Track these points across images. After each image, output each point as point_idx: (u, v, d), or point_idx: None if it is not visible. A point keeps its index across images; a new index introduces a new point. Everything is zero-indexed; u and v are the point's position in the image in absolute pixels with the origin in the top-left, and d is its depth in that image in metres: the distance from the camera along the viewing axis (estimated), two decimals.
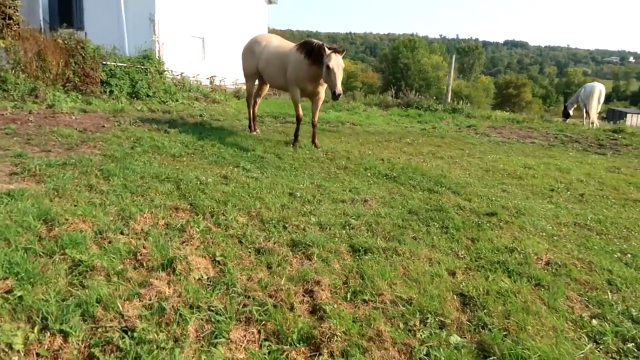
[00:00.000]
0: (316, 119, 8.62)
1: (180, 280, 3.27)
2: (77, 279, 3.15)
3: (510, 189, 6.76)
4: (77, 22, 18.39)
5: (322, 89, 8.22)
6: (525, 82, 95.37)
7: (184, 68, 16.85)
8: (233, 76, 19.25)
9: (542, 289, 3.65)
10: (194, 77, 17.17)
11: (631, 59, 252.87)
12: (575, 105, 18.63)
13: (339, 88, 7.13)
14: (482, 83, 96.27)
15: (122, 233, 3.95)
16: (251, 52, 9.28)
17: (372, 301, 3.33)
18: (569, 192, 6.77)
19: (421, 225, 4.93)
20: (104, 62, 13.32)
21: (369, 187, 6.26)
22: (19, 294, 2.83)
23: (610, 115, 56.02)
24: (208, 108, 13.46)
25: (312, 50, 7.66)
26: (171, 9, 17.66)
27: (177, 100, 13.98)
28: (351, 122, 13.37)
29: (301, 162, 7.23)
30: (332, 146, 8.67)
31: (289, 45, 8.60)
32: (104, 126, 8.58)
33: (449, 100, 20.02)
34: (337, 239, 4.34)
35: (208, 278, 3.40)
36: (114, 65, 13.46)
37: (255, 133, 9.62)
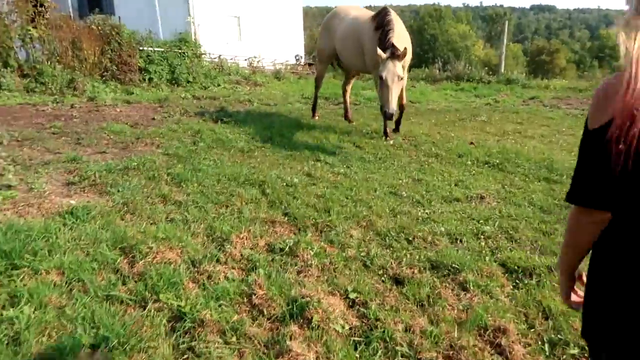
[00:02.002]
0: (404, 101, 7.14)
1: (320, 336, 2.39)
2: (185, 342, 2.30)
3: None
4: (108, 7, 17.53)
5: (405, 67, 6.59)
6: (559, 47, 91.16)
7: (221, 50, 15.90)
8: (271, 56, 18.21)
9: None
10: (231, 59, 16.22)
11: None
12: None
13: (392, 106, 5.82)
14: (511, 51, 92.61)
15: (219, 261, 3.10)
16: (327, 29, 7.85)
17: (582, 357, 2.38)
18: None
19: None
20: (141, 48, 12.50)
21: (475, 180, 5.26)
22: None
23: None
24: (253, 92, 12.54)
25: (382, 23, 6.31)
26: None
27: (218, 85, 13.09)
28: (408, 100, 12.26)
29: (385, 152, 6.25)
30: (407, 129, 7.64)
31: (366, 15, 6.96)
32: (154, 118, 7.76)
33: (502, 70, 18.57)
34: (482, 256, 3.39)
35: (351, 328, 2.51)
36: (151, 51, 12.62)
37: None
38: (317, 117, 8.51)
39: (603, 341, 1.23)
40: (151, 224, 3.58)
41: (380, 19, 6.45)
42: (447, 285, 3.00)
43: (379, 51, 5.95)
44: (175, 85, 12.40)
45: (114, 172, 4.68)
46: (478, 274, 3.11)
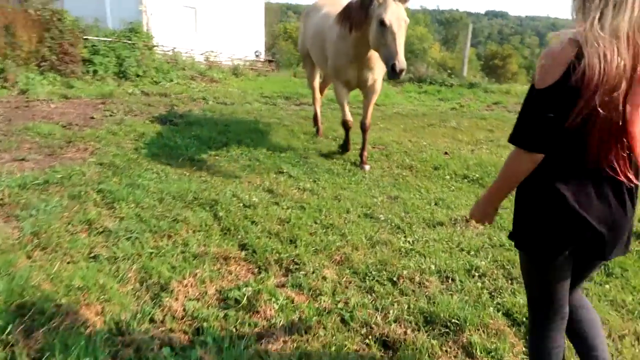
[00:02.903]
0: (368, 120, 5.61)
1: None
2: None
3: None
4: None
5: (376, 74, 5.28)
6: (511, 53, 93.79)
7: (176, 42, 14.84)
8: (229, 51, 17.23)
9: None
10: (186, 52, 15.18)
11: None
12: None
13: (402, 58, 4.28)
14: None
15: (153, 321, 2.35)
16: (303, 24, 6.78)
17: None
18: None
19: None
20: (85, 37, 11.34)
21: (456, 197, 4.71)
22: None
23: None
24: (209, 89, 11.62)
25: (350, 10, 4.87)
26: None
27: (171, 80, 12.08)
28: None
29: (354, 163, 5.62)
30: (376, 136, 7.03)
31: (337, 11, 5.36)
32: (93, 117, 6.79)
33: (465, 74, 18.42)
34: (481, 303, 2.80)
35: None
36: (96, 41, 11.48)
37: (321, 138, 6.71)
38: (321, 135, 6.79)
39: (528, 240, 1.64)
40: (68, 262, 2.77)
41: (348, 6, 5.07)
42: (449, 350, 2.38)
43: None
44: (123, 79, 11.33)
45: (30, 189, 3.80)
46: (483, 332, 2.51)
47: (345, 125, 5.66)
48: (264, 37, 23.05)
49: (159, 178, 4.34)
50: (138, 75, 11.63)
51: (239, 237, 3.34)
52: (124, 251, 2.95)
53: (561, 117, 1.42)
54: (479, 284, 3.04)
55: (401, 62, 4.27)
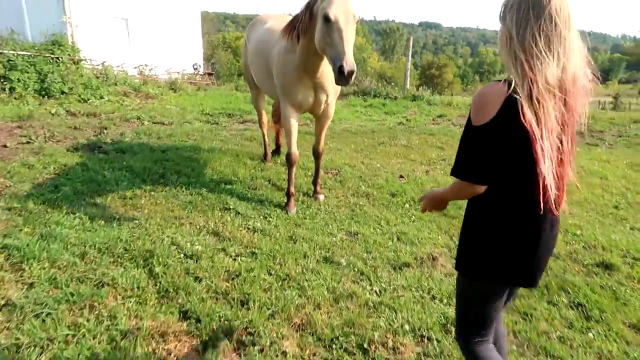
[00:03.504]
0: (321, 145, 5.04)
1: None
2: None
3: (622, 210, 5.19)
4: None
5: (331, 96, 4.67)
6: (447, 62, 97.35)
7: (106, 56, 13.83)
8: (165, 64, 16.34)
9: None
10: (118, 66, 14.21)
11: None
12: None
13: (350, 58, 3.52)
14: (404, 64, 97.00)
15: None
16: (245, 40, 6.03)
17: None
18: None
19: (556, 311, 3.16)
20: (0, 51, 10.26)
21: (419, 230, 4.40)
22: None
23: None
24: (144, 106, 10.82)
25: (296, 18, 4.26)
26: None
27: (101, 98, 11.15)
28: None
29: (307, 192, 5.19)
30: (328, 158, 6.65)
31: (283, 24, 4.61)
32: (5, 146, 5.94)
33: (408, 87, 18.56)
34: None
35: None
36: (13, 55, 10.40)
37: (269, 164, 6.20)
38: (269, 160, 6.32)
39: (475, 269, 1.74)
40: None
41: (296, 16, 4.42)
42: None
43: None
44: (46, 97, 10.31)
45: None
46: None
47: (290, 159, 4.74)
48: (202, 48, 22.20)
49: (82, 224, 3.69)
50: (63, 93, 10.65)
51: (180, 301, 2.80)
52: (30, 335, 2.34)
53: (498, 152, 1.55)
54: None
55: (349, 63, 3.50)
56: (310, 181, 5.52)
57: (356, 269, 3.49)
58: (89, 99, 10.76)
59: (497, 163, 1.56)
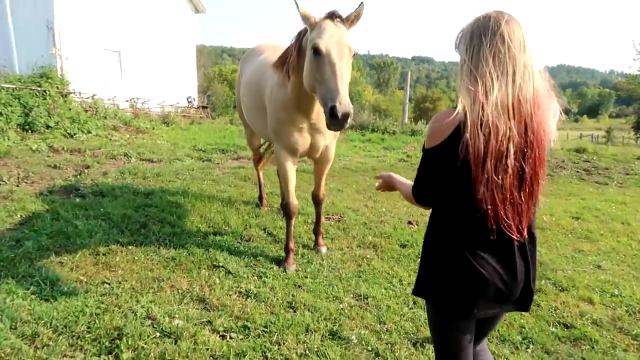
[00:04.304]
0: (322, 191, 4.48)
1: None
2: None
3: None
4: None
5: (329, 137, 4.08)
6: (440, 96, 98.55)
7: (97, 89, 13.38)
8: (158, 97, 15.92)
9: None
10: (109, 99, 13.76)
11: None
12: None
13: (344, 97, 2.93)
14: (398, 97, 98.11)
15: None
16: (239, 73, 5.34)
17: None
18: None
19: None
20: None
21: None
22: None
23: None
24: (133, 142, 10.31)
25: (287, 50, 3.75)
26: (76, 16, 13.94)
27: (89, 132, 10.62)
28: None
29: (307, 244, 4.62)
30: (329, 201, 6.09)
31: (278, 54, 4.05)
32: None
33: (406, 121, 18.25)
34: None
35: None
36: None
37: (265, 209, 5.63)
38: (265, 206, 5.72)
39: (433, 294, 1.69)
40: None
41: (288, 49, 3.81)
42: None
43: (304, 9, 3.28)
44: (30, 131, 9.76)
45: None
46: None
47: (288, 210, 4.12)
48: (197, 80, 21.89)
49: (40, 292, 3.08)
50: (48, 127, 10.11)
51: None
52: None
53: (441, 176, 1.59)
54: None
55: (343, 103, 2.87)
56: (310, 229, 4.96)
57: (370, 348, 2.88)
58: (75, 134, 10.23)
59: (441, 186, 1.59)
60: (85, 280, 3.32)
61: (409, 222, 5.59)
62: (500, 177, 1.48)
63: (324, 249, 4.46)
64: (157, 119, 14.08)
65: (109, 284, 3.30)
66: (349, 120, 2.93)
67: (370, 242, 4.78)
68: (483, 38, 1.49)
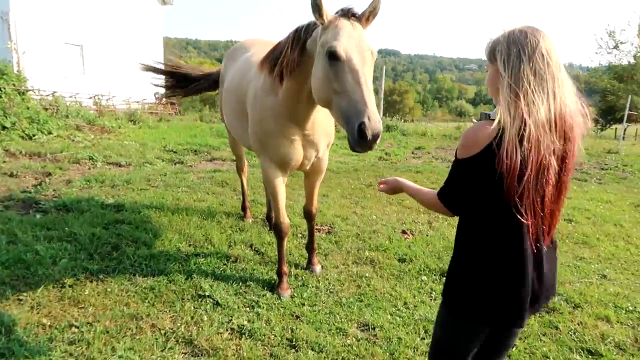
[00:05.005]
0: (314, 205, 4.06)
1: None
2: None
3: None
4: None
5: (322, 147, 3.58)
6: (408, 89, 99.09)
7: (58, 86, 12.54)
8: (124, 94, 15.13)
9: None
10: (71, 96, 12.94)
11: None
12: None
13: (374, 113, 2.39)
14: None
15: None
16: (222, 72, 4.71)
17: None
18: None
19: None
20: None
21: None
22: None
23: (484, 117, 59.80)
24: (98, 143, 9.62)
25: (278, 48, 3.14)
26: (34, 6, 12.98)
27: (50, 133, 9.89)
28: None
29: (299, 262, 4.22)
30: None
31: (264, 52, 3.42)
32: None
33: (381, 116, 18.01)
34: None
35: None
36: None
37: (249, 221, 5.18)
38: (248, 218, 5.24)
39: (461, 301, 1.67)
40: None
41: (279, 44, 3.23)
42: None
43: (322, 6, 2.60)
44: None
45: None
46: None
47: (280, 231, 3.68)
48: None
49: None
50: (5, 128, 9.35)
51: None
52: None
53: (474, 187, 1.60)
54: None
55: (374, 119, 2.36)
56: (300, 244, 4.57)
57: None
58: (34, 135, 9.50)
59: (474, 196, 1.61)
60: (49, 323, 2.82)
61: (403, 232, 5.26)
62: (542, 189, 1.52)
63: (318, 268, 4.06)
64: (123, 117, 13.34)
65: (77, 327, 2.81)
66: (378, 142, 2.42)
67: (367, 258, 4.42)
68: (522, 55, 1.51)
